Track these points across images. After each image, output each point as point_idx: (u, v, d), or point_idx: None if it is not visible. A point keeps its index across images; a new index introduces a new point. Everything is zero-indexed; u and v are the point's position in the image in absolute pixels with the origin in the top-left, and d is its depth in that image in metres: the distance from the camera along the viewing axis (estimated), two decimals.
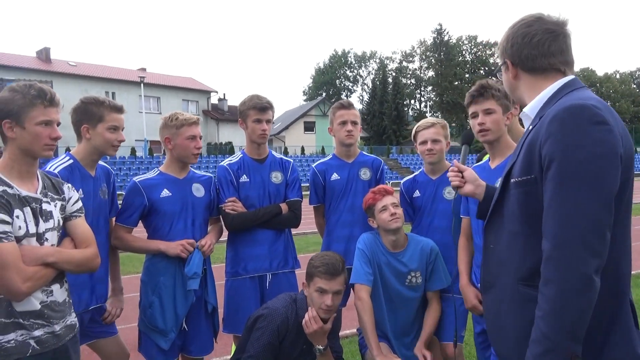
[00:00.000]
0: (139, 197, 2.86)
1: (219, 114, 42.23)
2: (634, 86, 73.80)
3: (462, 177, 2.26)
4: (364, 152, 3.52)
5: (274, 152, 3.35)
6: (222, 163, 3.24)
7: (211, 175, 3.19)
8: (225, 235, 3.16)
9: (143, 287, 2.93)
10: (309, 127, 48.52)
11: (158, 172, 2.99)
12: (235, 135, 39.93)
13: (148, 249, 2.88)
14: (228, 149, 34.88)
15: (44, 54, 35.86)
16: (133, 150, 31.02)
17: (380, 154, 40.51)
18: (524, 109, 1.69)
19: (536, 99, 1.63)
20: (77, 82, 32.90)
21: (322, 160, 3.49)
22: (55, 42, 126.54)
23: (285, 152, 36.72)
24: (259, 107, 3.11)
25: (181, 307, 2.85)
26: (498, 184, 1.74)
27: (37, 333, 1.93)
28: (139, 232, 2.98)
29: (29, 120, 1.94)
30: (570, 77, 1.62)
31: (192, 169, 3.10)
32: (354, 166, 3.37)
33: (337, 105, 3.35)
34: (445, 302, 2.99)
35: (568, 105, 1.43)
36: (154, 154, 32.48)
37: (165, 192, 2.89)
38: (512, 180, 1.58)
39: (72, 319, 2.14)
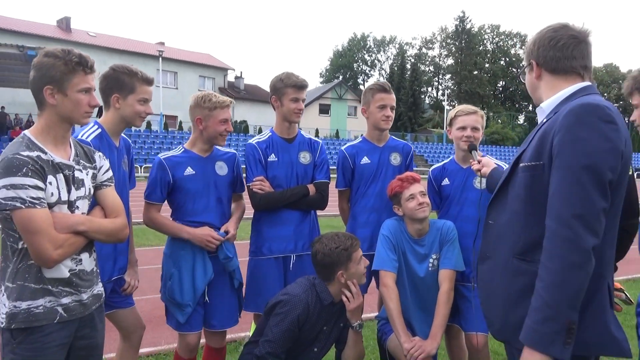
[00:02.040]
0: (164, 174, 2.86)
1: (235, 92, 42.13)
2: None
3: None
4: (394, 137, 3.44)
5: (303, 132, 3.29)
6: (250, 141, 3.19)
7: (234, 152, 3.15)
8: (249, 214, 3.12)
9: (165, 259, 2.94)
10: (324, 110, 48.35)
11: (183, 149, 2.97)
12: (250, 114, 39.91)
13: (174, 234, 2.88)
14: (242, 128, 34.85)
15: (64, 23, 35.99)
16: (148, 124, 31.11)
17: None
18: (541, 104, 1.85)
19: (554, 96, 1.80)
20: (96, 52, 32.82)
21: (352, 143, 3.41)
22: (75, 12, 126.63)
23: None
24: (298, 85, 3.06)
25: (200, 280, 2.84)
26: (506, 168, 1.93)
27: (65, 300, 1.92)
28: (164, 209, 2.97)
29: (71, 87, 1.91)
30: (587, 82, 1.80)
31: (216, 147, 3.05)
32: (384, 150, 3.30)
33: (376, 87, 3.24)
34: (470, 291, 2.93)
35: (584, 103, 1.61)
36: (169, 129, 32.55)
37: (189, 170, 2.88)
38: (521, 164, 1.75)
39: (99, 288, 2.13)
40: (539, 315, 1.53)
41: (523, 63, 1.99)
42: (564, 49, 1.79)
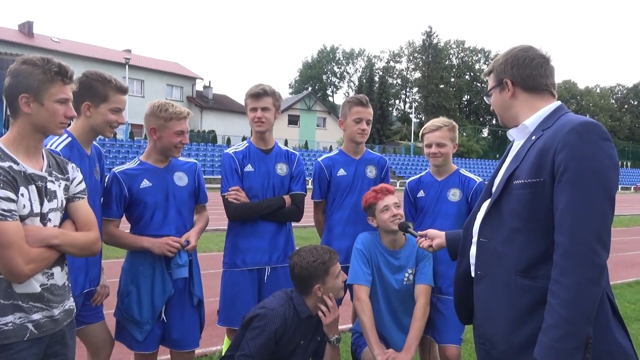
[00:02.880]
0: (119, 188, 2.75)
1: (204, 102, 41.77)
2: (613, 101, 75.46)
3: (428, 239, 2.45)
4: (370, 150, 3.48)
5: (280, 144, 3.29)
6: (227, 150, 3.18)
7: (195, 162, 3.05)
8: (218, 225, 3.07)
9: (123, 274, 2.82)
10: (293, 121, 48.39)
11: (138, 161, 2.86)
12: (218, 124, 39.58)
13: (134, 245, 2.75)
14: (211, 138, 34.50)
15: (26, 28, 35.02)
16: (114, 134, 30.39)
17: None
18: (525, 122, 1.85)
19: (536, 115, 1.83)
20: (59, 58, 28.87)
21: (329, 155, 3.42)
22: (39, 17, 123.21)
23: None
24: (252, 93, 3.06)
25: (159, 298, 2.75)
26: (495, 186, 1.90)
27: (35, 316, 1.85)
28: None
29: (48, 96, 1.85)
30: (559, 102, 1.86)
31: (175, 158, 2.92)
32: (360, 163, 3.32)
33: (354, 100, 3.26)
34: (444, 304, 2.97)
35: (583, 121, 1.64)
36: (135, 138, 31.90)
37: (146, 183, 2.77)
38: (516, 181, 1.74)
39: (71, 303, 2.05)
40: (557, 332, 1.53)
41: (489, 84, 1.99)
42: (538, 68, 1.84)
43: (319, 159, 3.40)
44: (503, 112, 1.96)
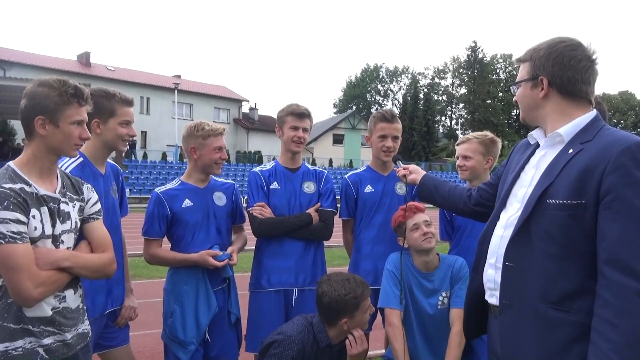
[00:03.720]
0: (161, 208, 2.79)
1: (249, 123, 42.60)
2: None
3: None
4: None
5: (307, 164, 3.21)
6: (254, 169, 3.13)
7: (233, 182, 3.10)
8: (250, 245, 3.02)
9: (166, 295, 2.83)
10: (338, 140, 48.52)
11: (179, 182, 2.93)
12: (264, 145, 40.19)
13: (181, 263, 2.79)
14: (257, 158, 35.05)
15: (84, 58, 37.02)
16: (164, 155, 31.48)
17: None
18: (559, 131, 1.65)
19: (571, 124, 1.64)
20: (114, 86, 32.02)
21: (356, 171, 3.31)
22: (95, 47, 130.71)
23: (313, 164, 36.72)
24: (297, 113, 3.02)
25: (203, 317, 2.74)
26: (523, 201, 1.68)
27: (46, 341, 1.81)
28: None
29: (64, 118, 1.85)
30: (595, 111, 1.67)
31: (214, 177, 3.01)
32: (389, 179, 3.18)
33: (378, 116, 3.14)
34: None
35: (637, 142, 1.48)
36: (184, 160, 32.84)
37: (187, 202, 2.82)
38: (551, 200, 1.56)
39: (85, 326, 2.01)
40: None
41: (521, 73, 1.78)
42: (582, 72, 1.64)
43: (346, 176, 3.28)
44: (529, 110, 1.78)
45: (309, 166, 3.21)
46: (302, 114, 3.02)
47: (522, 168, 1.79)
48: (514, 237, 1.65)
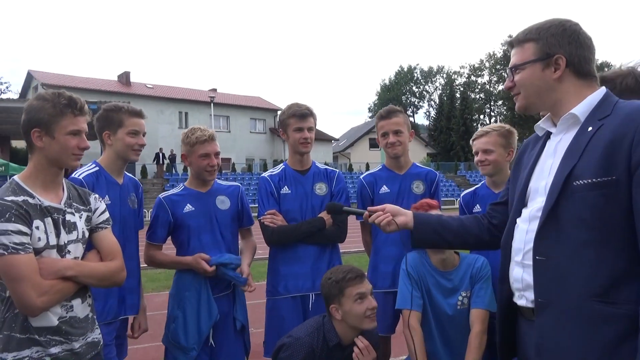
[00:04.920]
0: (164, 213, 2.84)
1: None
2: None
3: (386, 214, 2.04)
4: (418, 164, 3.24)
5: (317, 163, 3.15)
6: (263, 174, 3.11)
7: (238, 185, 3.08)
8: (262, 253, 3.00)
9: (170, 300, 2.86)
10: (375, 144, 48.05)
11: (182, 187, 2.96)
12: None
13: (176, 266, 2.85)
14: None
15: (124, 78, 38.34)
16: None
17: (448, 170, 39.45)
18: (574, 111, 1.56)
19: (584, 103, 1.56)
20: (153, 103, 34.74)
21: (371, 171, 3.23)
22: (134, 66, 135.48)
23: (350, 169, 36.63)
24: (298, 114, 2.96)
25: (205, 323, 2.74)
26: (545, 187, 1.56)
27: (54, 350, 1.84)
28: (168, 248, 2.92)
29: (59, 129, 1.88)
30: (604, 88, 1.59)
31: (218, 181, 2.99)
32: (405, 178, 3.09)
33: (377, 115, 3.12)
34: None
35: None
36: (223, 171, 33.41)
37: (188, 207, 2.84)
38: (578, 182, 1.44)
39: (95, 335, 2.03)
40: None
41: (523, 55, 1.62)
42: (592, 50, 1.57)
43: (361, 177, 3.22)
44: (538, 95, 1.63)
45: (320, 165, 3.15)
46: (304, 114, 2.96)
47: (536, 161, 1.68)
48: (542, 228, 1.52)
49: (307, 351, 2.31)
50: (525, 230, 1.61)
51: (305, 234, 2.89)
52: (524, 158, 1.79)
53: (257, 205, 3.03)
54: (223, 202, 2.92)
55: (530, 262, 1.55)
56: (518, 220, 1.68)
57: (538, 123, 1.72)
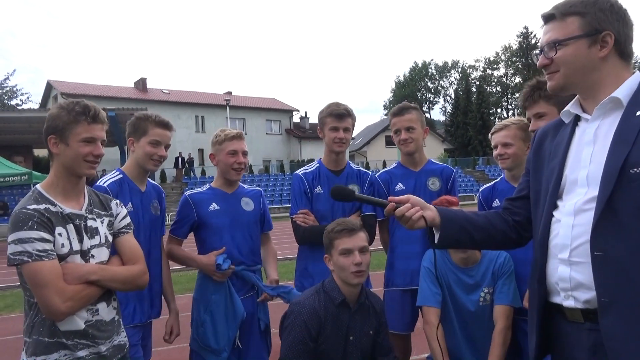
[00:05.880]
0: (189, 211, 2.89)
1: (301, 132, 43.04)
2: None
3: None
4: (434, 160, 3.23)
5: (352, 164, 3.18)
6: (297, 171, 3.14)
7: (259, 189, 3.15)
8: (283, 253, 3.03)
9: (195, 305, 2.89)
10: (391, 142, 47.77)
11: (208, 187, 3.02)
12: (317, 153, 40.41)
13: (189, 263, 2.94)
14: None
15: (141, 84, 38.85)
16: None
17: (466, 165, 39.09)
18: (617, 94, 1.45)
19: (625, 86, 1.46)
20: (170, 108, 35.16)
21: (387, 169, 3.24)
22: (150, 72, 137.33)
23: (367, 167, 36.50)
24: (336, 114, 2.99)
25: (232, 324, 2.78)
26: (592, 182, 1.44)
27: (81, 353, 1.88)
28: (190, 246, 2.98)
29: (72, 136, 1.91)
30: (637, 71, 1.51)
31: (242, 185, 3.06)
32: (420, 175, 3.09)
33: (390, 112, 3.14)
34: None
35: None
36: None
37: (214, 206, 2.89)
38: (635, 170, 1.34)
39: (121, 338, 2.07)
40: None
41: (565, 29, 1.50)
42: (632, 30, 1.48)
43: (377, 174, 3.22)
44: (580, 74, 1.51)
45: (354, 166, 3.17)
46: (341, 114, 2.98)
47: (567, 150, 1.56)
48: (599, 221, 1.39)
49: (309, 312, 2.31)
50: (570, 225, 1.48)
51: None
52: (545, 147, 1.69)
53: (280, 205, 3.07)
54: (247, 204, 2.98)
55: (582, 260, 1.44)
56: (556, 214, 1.55)
57: (566, 107, 1.61)
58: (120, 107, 24.33)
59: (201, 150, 37.23)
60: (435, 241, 1.77)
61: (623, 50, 1.48)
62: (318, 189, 3.03)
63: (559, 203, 1.55)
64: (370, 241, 2.95)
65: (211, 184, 3.04)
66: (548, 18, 1.56)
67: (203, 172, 32.48)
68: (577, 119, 1.60)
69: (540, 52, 1.58)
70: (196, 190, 3.02)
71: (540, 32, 1.64)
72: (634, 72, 1.50)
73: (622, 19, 1.47)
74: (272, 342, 3.05)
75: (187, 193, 2.98)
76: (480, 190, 3.07)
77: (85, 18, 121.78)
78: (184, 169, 30.82)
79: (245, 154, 2.91)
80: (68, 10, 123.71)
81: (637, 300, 1.33)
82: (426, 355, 3.23)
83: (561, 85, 1.56)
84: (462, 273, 2.63)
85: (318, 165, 3.13)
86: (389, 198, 1.80)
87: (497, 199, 2.91)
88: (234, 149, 2.86)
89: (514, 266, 2.64)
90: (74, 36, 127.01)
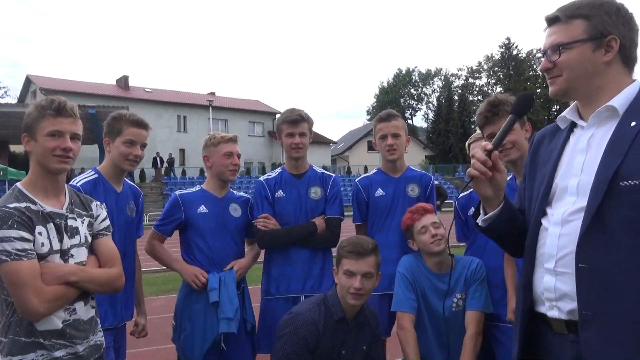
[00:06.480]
0: (177, 210, 2.91)
1: None
2: None
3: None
4: (412, 167, 3.29)
5: (315, 167, 3.22)
6: (260, 178, 3.18)
7: (249, 196, 3.17)
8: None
9: (178, 313, 2.92)
10: (373, 147, 48.26)
11: (199, 188, 3.04)
12: None
13: (168, 264, 2.96)
14: None
15: (123, 82, 38.35)
16: (202, 171, 32.11)
17: (446, 172, 39.50)
18: (613, 103, 1.41)
19: (623, 95, 1.43)
20: (152, 107, 34.80)
21: (367, 174, 3.30)
22: (133, 70, 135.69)
23: (349, 172, 36.67)
24: (290, 120, 3.04)
25: (210, 332, 2.78)
26: (581, 191, 1.41)
27: (58, 354, 1.87)
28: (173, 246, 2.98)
29: (39, 131, 1.89)
30: (637, 79, 1.48)
31: (232, 190, 3.10)
32: (400, 182, 3.15)
33: (376, 118, 3.18)
34: (505, 334, 2.66)
35: None
36: None
37: (202, 209, 2.91)
38: (626, 183, 1.31)
39: (98, 338, 2.06)
40: None
41: (569, 33, 1.45)
42: (638, 35, 1.44)
43: (357, 180, 3.28)
44: (584, 79, 1.46)
45: (317, 169, 3.21)
46: (295, 120, 3.03)
47: (559, 157, 1.53)
48: (585, 233, 1.36)
49: (309, 325, 2.34)
50: (557, 234, 1.45)
51: (295, 238, 2.96)
52: (540, 152, 1.65)
53: None
54: (236, 210, 3.01)
55: (567, 270, 1.40)
56: (544, 222, 1.52)
57: (563, 113, 1.57)
58: (101, 104, 23.97)
59: (182, 150, 36.90)
60: (481, 220, 1.66)
61: (627, 56, 1.45)
62: (279, 193, 3.07)
63: (548, 210, 1.52)
64: (334, 244, 3.00)
65: (202, 185, 3.07)
66: (552, 20, 1.52)
67: (184, 173, 32.19)
68: (572, 126, 1.57)
69: (543, 55, 1.54)
70: (187, 190, 3.05)
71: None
72: (634, 81, 1.47)
73: (628, 24, 1.44)
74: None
75: (177, 192, 3.00)
76: (457, 198, 3.13)
77: (68, 13, 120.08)
78: (163, 169, 30.48)
79: (239, 156, 2.99)
80: (50, 4, 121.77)
81: (620, 316, 1.30)
82: (399, 359, 3.28)
83: (563, 90, 1.52)
84: (437, 279, 2.69)
85: (281, 170, 3.18)
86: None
87: (473, 207, 2.97)
88: (229, 151, 2.91)
89: (486, 272, 2.71)
90: (56, 31, 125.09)
